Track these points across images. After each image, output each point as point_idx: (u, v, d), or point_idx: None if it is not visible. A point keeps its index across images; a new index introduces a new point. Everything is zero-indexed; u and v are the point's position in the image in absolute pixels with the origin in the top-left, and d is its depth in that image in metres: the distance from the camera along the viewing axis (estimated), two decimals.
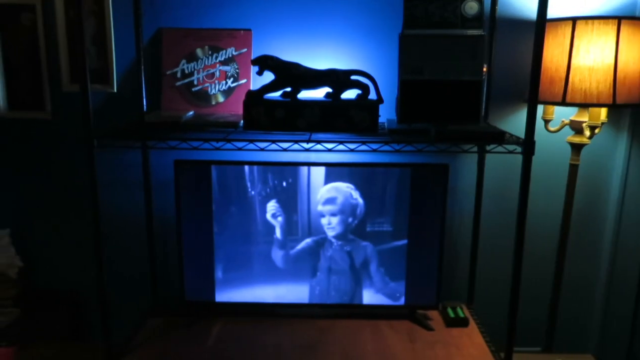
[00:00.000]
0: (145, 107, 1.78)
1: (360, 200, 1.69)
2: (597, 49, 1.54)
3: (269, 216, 1.71)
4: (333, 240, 1.73)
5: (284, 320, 1.78)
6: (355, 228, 1.72)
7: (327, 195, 1.69)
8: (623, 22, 1.52)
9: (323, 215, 1.71)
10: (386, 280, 1.75)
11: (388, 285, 1.76)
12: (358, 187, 1.69)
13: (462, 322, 1.76)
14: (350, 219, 1.71)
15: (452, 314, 1.77)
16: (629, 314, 1.94)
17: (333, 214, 1.70)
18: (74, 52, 1.80)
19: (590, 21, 1.53)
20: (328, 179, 1.69)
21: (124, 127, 1.61)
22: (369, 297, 1.77)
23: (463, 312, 1.80)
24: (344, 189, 1.68)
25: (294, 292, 1.76)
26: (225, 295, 1.77)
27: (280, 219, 1.71)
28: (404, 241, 1.72)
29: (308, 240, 1.73)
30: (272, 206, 1.70)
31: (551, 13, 1.55)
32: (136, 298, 1.98)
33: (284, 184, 1.69)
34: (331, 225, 1.71)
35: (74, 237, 1.97)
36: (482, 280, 1.94)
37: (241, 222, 1.72)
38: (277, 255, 1.74)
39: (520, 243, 1.43)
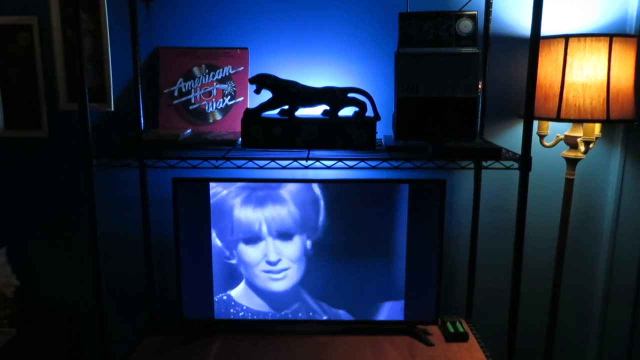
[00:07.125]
0: (142, 125, 1.78)
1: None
2: (590, 65, 1.56)
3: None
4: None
5: (283, 336, 1.78)
6: (348, 244, 1.72)
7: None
8: (614, 39, 1.55)
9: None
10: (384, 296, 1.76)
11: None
12: (355, 203, 1.70)
13: (462, 337, 1.76)
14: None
15: (451, 329, 1.77)
16: (627, 325, 1.95)
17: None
18: (70, 71, 1.81)
19: (582, 38, 1.56)
20: (323, 193, 1.69)
21: (122, 145, 1.61)
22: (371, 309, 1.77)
23: (462, 326, 1.80)
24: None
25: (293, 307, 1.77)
26: (224, 311, 1.77)
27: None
28: (403, 257, 1.73)
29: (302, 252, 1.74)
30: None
31: (544, 30, 1.57)
32: (133, 316, 1.97)
33: (279, 198, 1.70)
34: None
35: (70, 256, 1.96)
36: (481, 294, 1.95)
37: (238, 238, 1.72)
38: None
39: (519, 257, 1.43)
